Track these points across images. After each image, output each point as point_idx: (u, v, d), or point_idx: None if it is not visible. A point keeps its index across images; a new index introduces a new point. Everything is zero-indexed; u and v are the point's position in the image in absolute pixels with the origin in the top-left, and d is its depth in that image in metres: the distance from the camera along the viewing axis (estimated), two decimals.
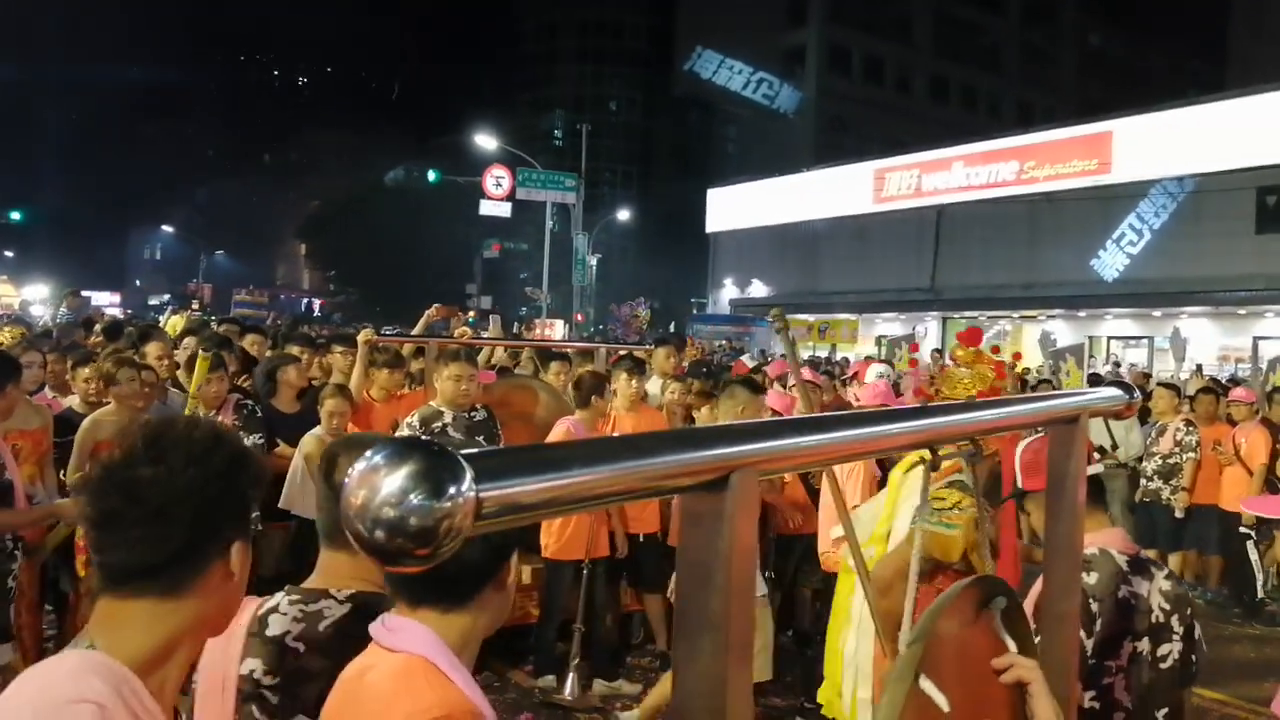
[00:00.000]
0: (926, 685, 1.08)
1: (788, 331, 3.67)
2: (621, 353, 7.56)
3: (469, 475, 0.62)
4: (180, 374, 6.18)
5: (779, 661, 6.65)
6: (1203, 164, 23.85)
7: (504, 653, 6.33)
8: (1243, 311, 23.93)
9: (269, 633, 1.85)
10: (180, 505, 1.34)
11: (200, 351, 5.40)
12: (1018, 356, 21.95)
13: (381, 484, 0.60)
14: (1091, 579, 2.29)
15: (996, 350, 3.88)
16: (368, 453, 0.63)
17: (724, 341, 31.71)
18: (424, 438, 0.66)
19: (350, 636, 1.75)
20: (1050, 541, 1.63)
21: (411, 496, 0.60)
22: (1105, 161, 26.23)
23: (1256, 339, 23.46)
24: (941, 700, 1.08)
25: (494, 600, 1.66)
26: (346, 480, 0.62)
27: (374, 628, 1.60)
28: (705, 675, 0.84)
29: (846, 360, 20.70)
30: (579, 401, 5.97)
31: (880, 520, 3.67)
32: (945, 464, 3.29)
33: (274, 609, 1.89)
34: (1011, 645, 1.44)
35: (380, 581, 1.89)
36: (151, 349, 6.42)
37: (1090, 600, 2.25)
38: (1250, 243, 23.22)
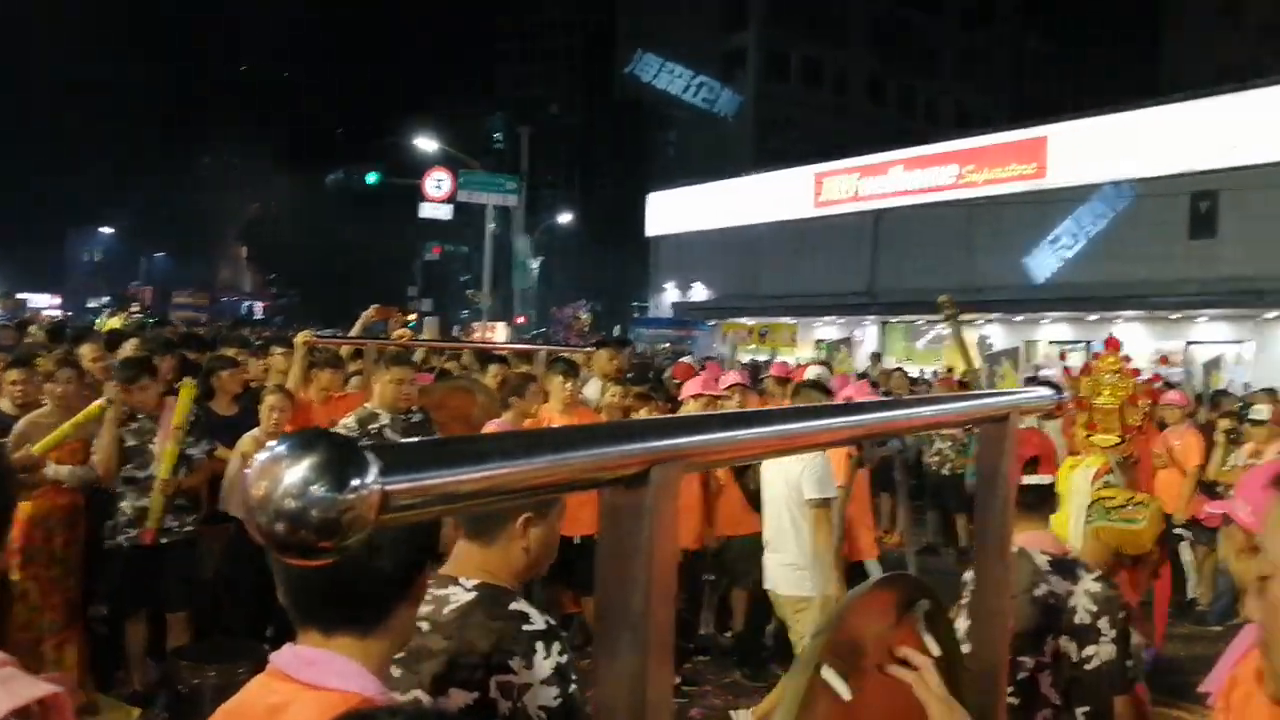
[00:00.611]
0: (827, 674, 1.08)
1: (957, 319, 3.94)
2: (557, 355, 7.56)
3: (375, 467, 0.60)
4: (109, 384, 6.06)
5: (718, 663, 6.69)
6: (1137, 169, 24.30)
7: None
8: (1176, 316, 24.41)
9: None
10: None
11: (186, 380, 5.31)
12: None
13: (283, 475, 0.58)
14: (1010, 578, 2.31)
15: (1127, 357, 4.13)
16: (271, 444, 0.61)
17: (666, 344, 31.81)
18: (330, 431, 0.64)
19: (471, 623, 1.98)
20: (980, 540, 1.64)
21: (313, 488, 0.58)
22: (1042, 166, 26.68)
23: (1189, 343, 24.03)
24: (843, 689, 1.09)
25: (407, 617, 1.58)
26: (248, 472, 0.60)
27: (282, 658, 1.48)
28: (625, 672, 0.83)
29: (786, 364, 20.79)
30: (500, 403, 5.97)
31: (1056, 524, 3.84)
32: (1095, 464, 3.77)
33: None
34: (934, 648, 1.45)
35: (505, 577, 2.12)
36: (86, 350, 6.31)
37: None
38: (1183, 247, 23.70)
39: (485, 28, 71.06)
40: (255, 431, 5.54)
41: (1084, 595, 2.38)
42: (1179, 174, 23.35)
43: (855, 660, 1.34)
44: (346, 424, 5.18)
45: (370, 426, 5.15)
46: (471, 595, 2.04)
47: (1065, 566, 2.43)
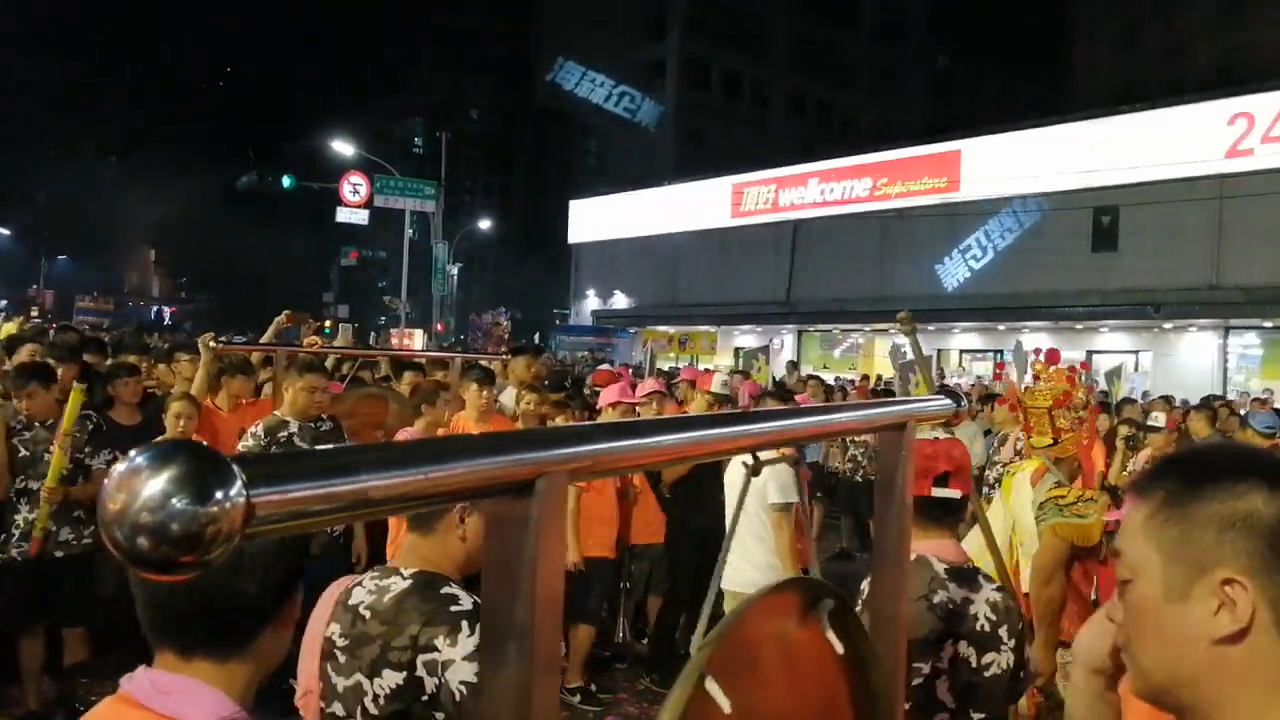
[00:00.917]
0: (711, 687, 1.09)
1: (915, 335, 4.24)
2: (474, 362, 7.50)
3: (240, 479, 0.59)
4: (7, 383, 5.85)
5: (633, 670, 6.69)
6: (1044, 184, 24.97)
7: None
8: (1079, 326, 25.15)
9: (350, 602, 2.16)
10: None
11: (75, 384, 5.11)
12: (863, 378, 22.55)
13: (142, 488, 0.57)
14: (906, 584, 2.35)
15: (1072, 368, 4.40)
16: (131, 454, 0.60)
17: (586, 352, 31.78)
18: (196, 441, 0.62)
19: (405, 607, 2.09)
20: (878, 546, 1.66)
21: (174, 501, 0.56)
22: (954, 179, 27.22)
23: (1090, 352, 24.73)
24: (724, 702, 1.09)
25: (273, 643, 1.50)
26: (105, 483, 0.59)
27: (137, 686, 1.40)
28: (510, 684, 0.82)
29: (695, 369, 20.93)
30: (412, 410, 5.92)
31: (1009, 529, 4.34)
32: (1033, 467, 4.29)
33: (359, 583, 2.21)
34: (839, 648, 1.46)
35: (444, 566, 2.23)
36: None
37: None
38: (1086, 260, 24.43)
39: (406, 32, 70.34)
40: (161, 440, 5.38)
41: (984, 604, 2.41)
42: (1082, 189, 24.04)
43: (750, 669, 1.34)
44: (254, 432, 5.08)
45: (279, 435, 5.06)
46: (408, 583, 2.14)
47: (965, 575, 2.47)
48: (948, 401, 1.85)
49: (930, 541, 2.53)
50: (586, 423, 5.72)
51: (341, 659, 2.10)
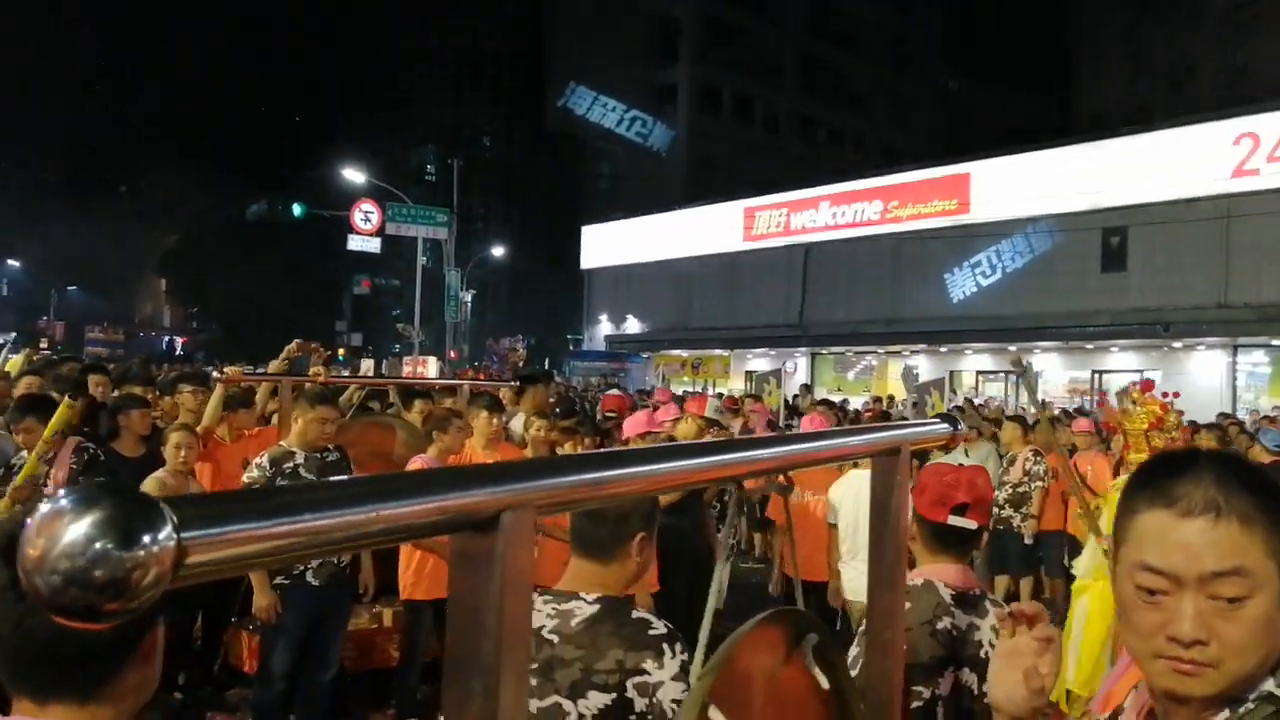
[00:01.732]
0: (715, 715, 1.07)
1: (1028, 375, 4.46)
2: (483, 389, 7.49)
3: (170, 521, 0.56)
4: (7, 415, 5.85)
5: None
6: (1053, 206, 24.98)
7: (365, 697, 6.16)
8: (1090, 346, 25.09)
9: None
10: None
11: (66, 398, 5.08)
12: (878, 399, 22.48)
13: (64, 533, 0.54)
14: (904, 607, 2.33)
15: (1165, 394, 4.98)
16: (57, 495, 0.57)
17: (599, 377, 31.80)
18: (118, 484, 0.60)
19: (601, 632, 2.22)
20: (873, 572, 1.64)
21: (97, 545, 0.54)
22: (964, 202, 27.25)
23: (1097, 372, 24.71)
24: None
25: (137, 680, 1.40)
26: (27, 526, 0.56)
27: None
28: None
29: (720, 396, 20.91)
30: (423, 438, 5.89)
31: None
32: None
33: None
34: (824, 682, 1.43)
35: (619, 589, 2.39)
36: None
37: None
38: (1096, 281, 24.40)
39: (418, 59, 70.82)
40: (160, 472, 5.34)
41: (989, 631, 2.38)
42: (1091, 210, 24.04)
43: (744, 699, 1.32)
44: (259, 463, 5.05)
45: (285, 465, 5.03)
46: (595, 608, 2.28)
47: (970, 601, 2.44)
48: (944, 426, 1.83)
49: (939, 566, 2.51)
50: (557, 455, 5.68)
51: (532, 682, 2.17)
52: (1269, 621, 1.15)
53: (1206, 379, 23.27)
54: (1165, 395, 5.02)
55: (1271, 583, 1.15)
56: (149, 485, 5.18)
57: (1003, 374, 26.97)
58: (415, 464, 5.63)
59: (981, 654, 2.35)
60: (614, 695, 2.19)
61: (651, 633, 2.25)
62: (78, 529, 0.54)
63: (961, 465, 2.64)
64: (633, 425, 6.64)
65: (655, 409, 8.21)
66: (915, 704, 2.29)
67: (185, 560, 0.57)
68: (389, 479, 0.74)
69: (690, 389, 28.27)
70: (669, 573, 6.44)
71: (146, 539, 0.55)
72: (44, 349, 27.77)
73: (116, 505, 0.55)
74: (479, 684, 0.80)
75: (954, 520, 2.51)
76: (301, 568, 5.01)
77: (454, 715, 0.81)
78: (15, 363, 8.48)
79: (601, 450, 5.23)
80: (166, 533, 0.56)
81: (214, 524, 0.59)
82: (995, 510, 9.12)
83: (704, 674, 1.11)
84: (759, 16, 54.86)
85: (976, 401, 19.67)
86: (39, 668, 1.31)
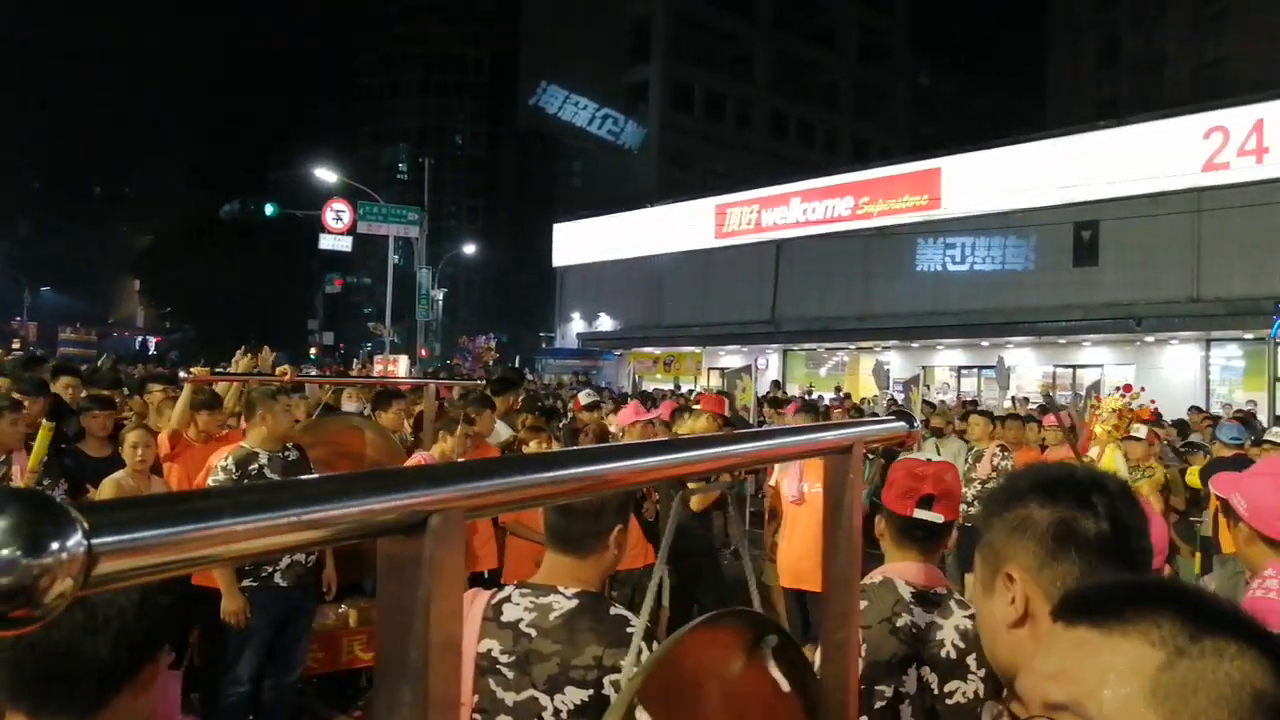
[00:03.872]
0: (641, 716, 1.07)
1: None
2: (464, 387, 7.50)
3: (80, 527, 0.56)
4: None
5: None
6: (1025, 200, 25.07)
7: (335, 698, 6.13)
8: (1063, 340, 25.23)
9: (503, 619, 2.26)
10: None
11: (44, 422, 5.03)
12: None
13: None
14: (861, 606, 2.29)
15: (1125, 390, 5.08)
16: None
17: (571, 375, 31.75)
18: (35, 488, 0.60)
19: (579, 628, 2.21)
20: (828, 571, 1.63)
21: (3, 551, 0.54)
22: (935, 197, 27.33)
23: (1073, 366, 24.83)
24: None
25: (131, 707, 1.39)
26: None
27: None
28: None
29: (691, 392, 20.93)
30: (447, 430, 5.88)
31: None
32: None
33: (506, 599, 2.30)
34: (785, 684, 1.44)
35: (597, 582, 2.38)
36: None
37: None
38: (1068, 275, 24.53)
39: (389, 58, 70.41)
40: (119, 473, 5.29)
41: (953, 630, 2.34)
42: (1063, 205, 24.16)
43: (688, 700, 1.32)
44: (224, 465, 5.02)
45: (250, 467, 5.00)
46: (574, 603, 2.27)
47: (932, 599, 2.42)
48: (900, 423, 1.82)
49: (904, 564, 2.50)
50: (487, 458, 5.70)
51: (509, 675, 2.22)
52: (979, 608, 1.42)
53: (1179, 373, 23.46)
54: (1124, 392, 5.12)
55: (978, 571, 1.40)
56: (106, 486, 5.14)
57: (976, 369, 27.15)
58: (415, 459, 5.66)
59: (942, 654, 2.33)
60: (591, 691, 2.17)
61: (629, 630, 2.23)
62: None
63: (931, 460, 2.64)
64: (625, 417, 6.80)
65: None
66: (878, 703, 2.28)
67: (95, 568, 0.57)
68: (312, 482, 0.74)
69: (662, 386, 28.29)
70: (675, 570, 6.51)
71: (54, 545, 0.55)
72: (16, 349, 27.45)
73: (23, 511, 0.55)
74: (408, 690, 0.79)
75: (920, 514, 2.49)
76: (270, 569, 4.99)
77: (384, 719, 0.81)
78: None
79: (534, 453, 5.26)
80: (76, 539, 0.56)
81: (128, 529, 0.59)
82: (963, 507, 9.17)
83: (636, 674, 1.10)
84: (730, 12, 54.89)
85: (942, 399, 19.77)
86: (39, 685, 1.32)
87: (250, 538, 0.66)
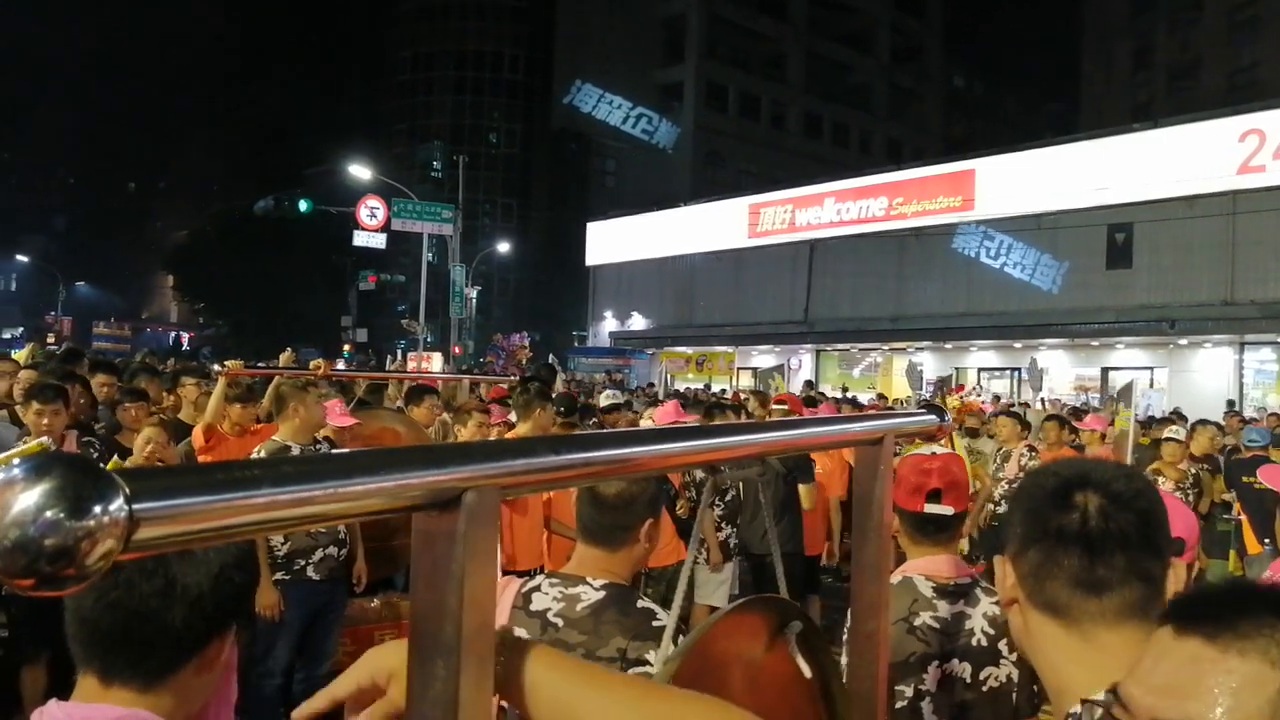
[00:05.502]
0: None
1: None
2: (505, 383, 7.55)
3: (122, 492, 0.57)
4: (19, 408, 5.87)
5: None
6: (1058, 202, 24.90)
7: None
8: (1096, 343, 25.03)
9: (532, 607, 2.28)
10: None
11: (41, 441, 5.10)
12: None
13: (14, 501, 0.55)
14: (889, 600, 2.30)
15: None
16: (11, 464, 0.58)
17: (604, 374, 31.78)
18: (72, 455, 0.61)
19: (605, 620, 2.22)
20: (858, 562, 1.64)
21: (47, 513, 0.55)
22: (969, 198, 27.18)
23: (1106, 369, 24.63)
24: None
25: (193, 684, 1.40)
26: None
27: (52, 715, 1.36)
28: (440, 701, 0.80)
29: (723, 392, 20.93)
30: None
31: None
32: None
33: (535, 588, 2.32)
34: (806, 670, 1.44)
35: (626, 575, 2.40)
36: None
37: None
38: (1101, 277, 24.33)
39: (424, 56, 70.75)
40: (129, 463, 5.36)
41: (981, 618, 2.37)
42: (1097, 207, 23.95)
43: (718, 686, 1.32)
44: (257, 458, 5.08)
45: None
46: (601, 594, 2.28)
47: (958, 591, 2.43)
48: (931, 416, 1.82)
49: (925, 559, 2.50)
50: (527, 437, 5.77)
51: None
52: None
53: (1213, 376, 23.23)
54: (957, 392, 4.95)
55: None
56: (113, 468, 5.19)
57: (1008, 371, 26.96)
58: None
59: (973, 643, 2.34)
60: None
61: (655, 624, 2.24)
62: (29, 498, 0.55)
63: (935, 453, 2.63)
64: (663, 415, 6.99)
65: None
66: (899, 703, 2.28)
67: (136, 533, 0.58)
68: (349, 456, 0.75)
69: (691, 386, 28.27)
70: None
71: (97, 509, 0.56)
72: (50, 343, 27.83)
73: (68, 475, 0.56)
74: (441, 665, 0.80)
75: (930, 508, 2.50)
76: (302, 563, 5.03)
77: (416, 696, 0.82)
78: (23, 355, 8.54)
79: (572, 433, 5.29)
80: (118, 504, 0.57)
81: (167, 496, 0.60)
82: (991, 507, 9.12)
83: (669, 659, 1.11)
84: (764, 14, 54.79)
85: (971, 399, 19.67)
86: (114, 644, 1.35)
87: (288, 507, 0.67)
